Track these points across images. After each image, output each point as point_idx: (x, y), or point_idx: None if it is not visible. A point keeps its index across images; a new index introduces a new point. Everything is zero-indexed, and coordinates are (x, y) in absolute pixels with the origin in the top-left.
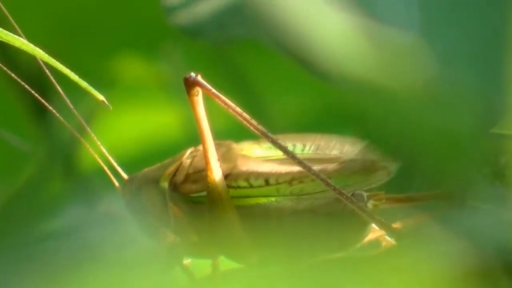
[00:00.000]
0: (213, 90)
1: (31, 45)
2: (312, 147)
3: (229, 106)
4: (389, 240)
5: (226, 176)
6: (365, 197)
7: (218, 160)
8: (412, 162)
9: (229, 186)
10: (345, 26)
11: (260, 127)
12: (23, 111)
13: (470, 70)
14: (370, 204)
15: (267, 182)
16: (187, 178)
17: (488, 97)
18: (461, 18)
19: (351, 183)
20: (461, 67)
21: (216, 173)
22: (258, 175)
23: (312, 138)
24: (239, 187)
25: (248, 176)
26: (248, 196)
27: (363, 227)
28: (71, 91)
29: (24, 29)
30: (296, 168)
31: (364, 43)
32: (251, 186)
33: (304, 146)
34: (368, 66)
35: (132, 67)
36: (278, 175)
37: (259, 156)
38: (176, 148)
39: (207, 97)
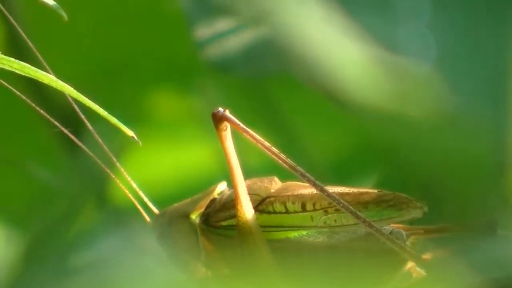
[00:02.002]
0: (241, 125)
1: (60, 82)
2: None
3: (257, 141)
4: (419, 271)
5: (263, 200)
6: (404, 235)
7: (249, 194)
8: (440, 193)
9: (263, 212)
10: (365, 58)
11: (289, 160)
12: (54, 146)
13: (485, 100)
14: (409, 242)
15: (303, 208)
16: (218, 209)
17: (506, 127)
18: (475, 49)
19: (385, 217)
20: (476, 97)
21: (246, 207)
22: (295, 198)
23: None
24: (274, 212)
25: (285, 199)
26: (280, 226)
27: (400, 265)
28: (103, 125)
29: (56, 67)
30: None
31: (382, 74)
32: (286, 211)
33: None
34: (387, 96)
35: (165, 102)
36: (316, 200)
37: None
38: (209, 183)
39: (237, 133)
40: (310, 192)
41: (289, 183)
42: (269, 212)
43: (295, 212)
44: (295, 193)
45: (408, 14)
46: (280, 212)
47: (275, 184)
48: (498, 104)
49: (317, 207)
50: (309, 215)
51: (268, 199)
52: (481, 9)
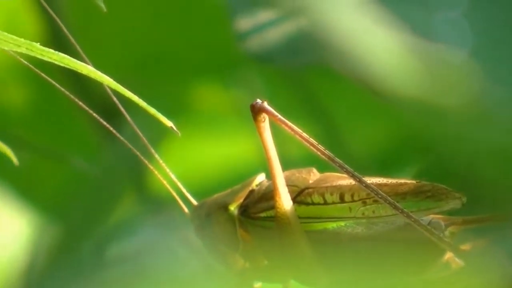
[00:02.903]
0: (279, 116)
1: (99, 72)
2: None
3: (295, 132)
4: (458, 262)
5: (302, 191)
6: (443, 226)
7: (288, 185)
8: (479, 184)
9: (302, 203)
10: (400, 47)
11: (327, 152)
12: (93, 137)
13: None
14: (447, 232)
15: (342, 199)
16: (256, 200)
17: None
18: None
19: (423, 208)
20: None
21: (285, 198)
22: (334, 189)
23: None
24: (312, 203)
25: (324, 190)
26: (318, 217)
27: (438, 256)
28: (142, 117)
29: (96, 59)
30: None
31: (419, 63)
32: (325, 202)
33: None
34: (424, 86)
35: (205, 94)
36: (354, 191)
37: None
38: (247, 175)
39: (276, 124)
40: (349, 183)
41: (327, 174)
42: (307, 203)
43: (334, 203)
44: (334, 184)
45: (443, 1)
46: (318, 203)
47: (313, 175)
48: None
49: (356, 198)
50: (347, 206)
51: (306, 190)
52: None
